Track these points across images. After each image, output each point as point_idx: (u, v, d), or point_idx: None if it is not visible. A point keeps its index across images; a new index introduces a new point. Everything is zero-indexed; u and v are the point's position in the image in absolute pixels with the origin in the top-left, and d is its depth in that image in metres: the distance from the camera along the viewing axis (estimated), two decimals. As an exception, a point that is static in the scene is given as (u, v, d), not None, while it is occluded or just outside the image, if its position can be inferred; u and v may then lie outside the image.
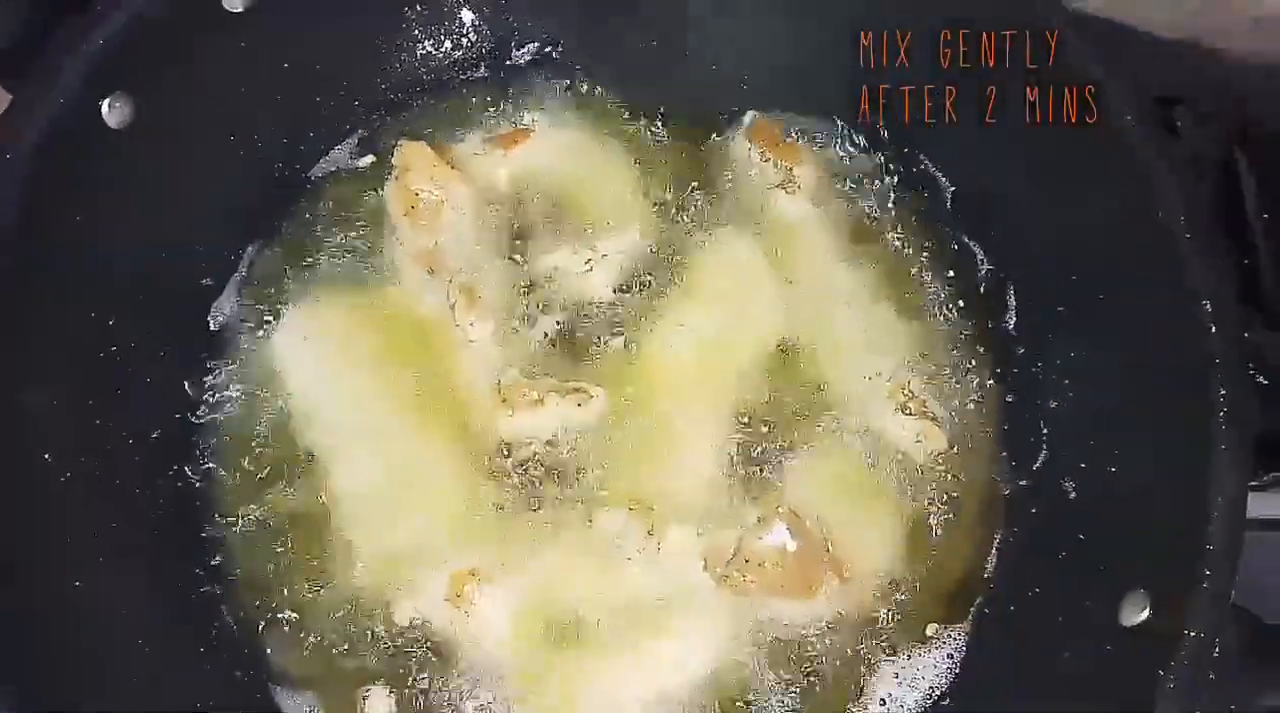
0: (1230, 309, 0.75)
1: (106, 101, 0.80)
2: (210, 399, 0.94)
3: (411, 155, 0.99)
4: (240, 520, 0.90)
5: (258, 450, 0.92)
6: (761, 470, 0.91)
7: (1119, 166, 0.81)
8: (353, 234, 1.00)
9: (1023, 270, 0.95)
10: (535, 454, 0.91)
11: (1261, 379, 0.81)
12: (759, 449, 0.92)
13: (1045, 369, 0.91)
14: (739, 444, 0.92)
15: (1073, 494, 0.85)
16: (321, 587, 0.87)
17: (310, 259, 1.00)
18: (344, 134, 1.06)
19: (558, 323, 0.97)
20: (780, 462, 0.92)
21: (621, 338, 0.96)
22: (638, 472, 0.91)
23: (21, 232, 0.76)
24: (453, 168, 1.00)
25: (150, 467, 0.88)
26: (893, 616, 0.88)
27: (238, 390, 0.94)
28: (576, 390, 0.92)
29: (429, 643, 0.86)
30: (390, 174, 1.00)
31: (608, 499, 0.89)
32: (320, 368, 0.94)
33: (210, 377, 0.94)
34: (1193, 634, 0.69)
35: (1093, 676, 0.75)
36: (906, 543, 0.90)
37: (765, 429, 0.93)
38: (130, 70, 0.81)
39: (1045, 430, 0.90)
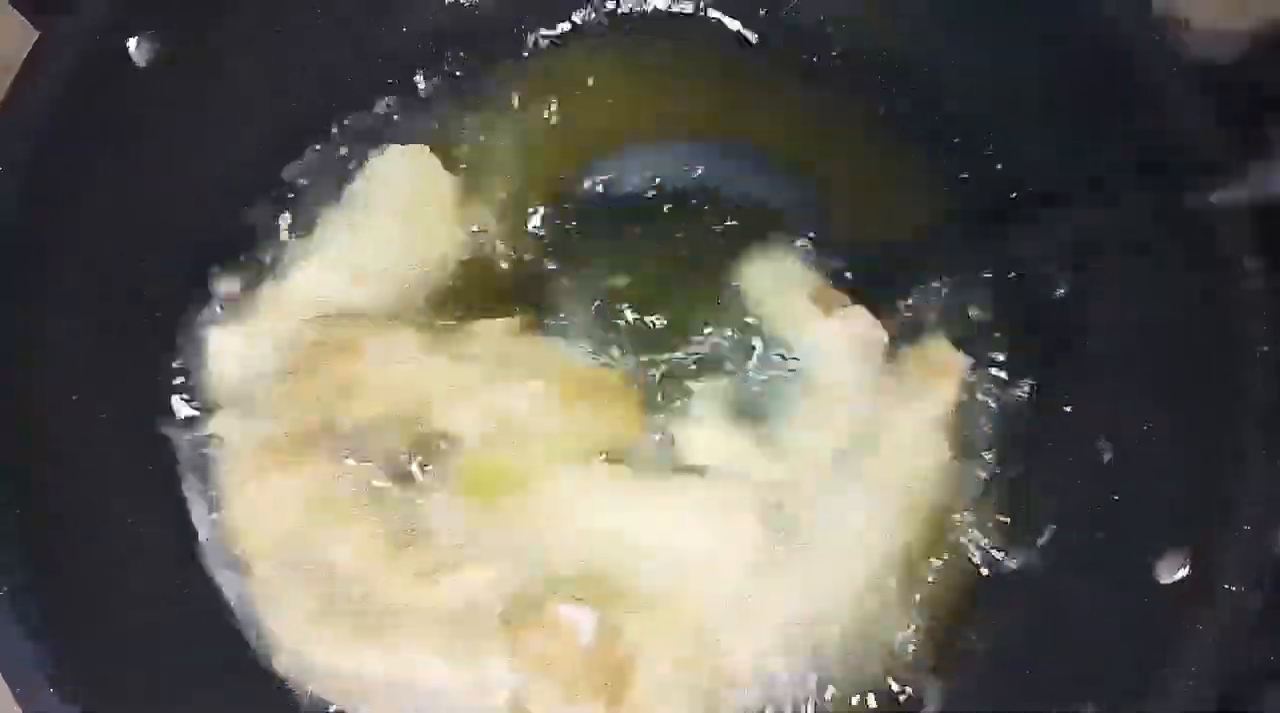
0: (1267, 261, 0.74)
1: (134, 39, 0.79)
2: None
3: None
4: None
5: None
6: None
7: (1147, 118, 0.80)
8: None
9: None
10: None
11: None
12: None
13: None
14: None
15: (1107, 456, 0.84)
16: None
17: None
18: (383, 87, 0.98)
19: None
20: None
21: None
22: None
23: (48, 168, 0.75)
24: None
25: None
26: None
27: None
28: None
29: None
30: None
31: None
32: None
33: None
34: (1231, 589, 0.69)
35: (1128, 631, 0.74)
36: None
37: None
38: (157, 6, 0.80)
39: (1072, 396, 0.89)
